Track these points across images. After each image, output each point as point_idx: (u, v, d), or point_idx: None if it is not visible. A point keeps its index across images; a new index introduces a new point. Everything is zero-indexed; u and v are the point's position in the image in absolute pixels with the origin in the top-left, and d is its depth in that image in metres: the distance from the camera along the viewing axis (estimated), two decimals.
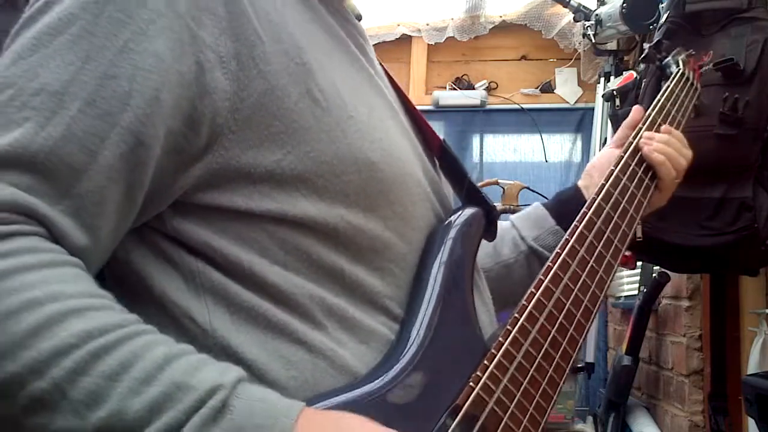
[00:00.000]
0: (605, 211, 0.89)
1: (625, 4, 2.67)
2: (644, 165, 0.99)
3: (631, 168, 0.96)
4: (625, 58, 3.11)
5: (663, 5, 2.05)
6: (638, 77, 2.00)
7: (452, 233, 0.78)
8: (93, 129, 0.59)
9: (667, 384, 2.50)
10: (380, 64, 0.86)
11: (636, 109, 1.07)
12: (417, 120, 0.85)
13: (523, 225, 1.02)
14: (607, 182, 0.92)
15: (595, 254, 0.85)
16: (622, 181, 0.94)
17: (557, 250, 0.82)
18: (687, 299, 2.32)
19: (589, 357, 3.05)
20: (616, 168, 0.95)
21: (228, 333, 0.65)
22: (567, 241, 0.83)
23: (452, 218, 0.80)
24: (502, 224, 1.02)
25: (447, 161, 0.87)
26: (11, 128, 0.58)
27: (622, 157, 0.97)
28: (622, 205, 0.92)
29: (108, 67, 0.60)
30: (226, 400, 0.54)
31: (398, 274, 0.73)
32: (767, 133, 1.67)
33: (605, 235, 0.87)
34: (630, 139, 1.01)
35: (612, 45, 3.14)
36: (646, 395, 2.72)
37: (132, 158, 0.61)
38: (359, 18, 0.84)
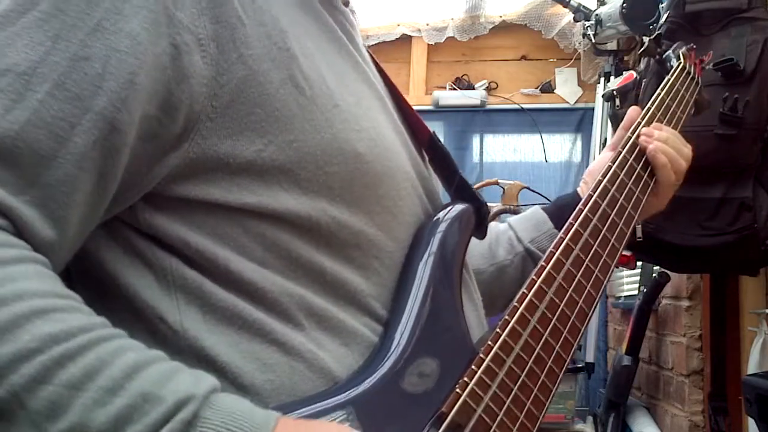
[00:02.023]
0: (601, 208, 0.85)
1: (625, 4, 2.67)
2: (643, 161, 0.94)
3: (629, 164, 0.92)
4: (625, 58, 3.11)
5: (663, 5, 2.05)
6: (638, 77, 2.00)
7: (440, 230, 0.73)
8: (62, 113, 0.55)
9: (667, 384, 2.50)
10: (371, 56, 0.83)
11: (633, 110, 1.03)
12: (406, 112, 0.82)
13: (520, 227, 0.98)
14: (604, 178, 0.88)
15: (591, 253, 0.81)
16: (620, 177, 0.90)
17: (551, 249, 0.78)
18: (687, 299, 2.32)
19: (589, 357, 3.04)
20: (613, 164, 0.91)
21: (200, 334, 0.61)
22: (561, 239, 0.80)
23: (441, 214, 0.75)
24: (499, 226, 1.00)
25: (436, 155, 0.83)
26: None
27: (620, 152, 0.93)
28: (619, 202, 0.88)
29: (79, 48, 0.56)
30: (197, 412, 0.51)
31: (383, 273, 0.69)
32: (767, 133, 1.67)
33: (602, 233, 0.83)
34: (628, 134, 0.97)
35: (612, 45, 3.13)
36: (646, 395, 2.72)
37: (104, 145, 0.56)
38: (346, 4, 0.81)
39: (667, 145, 0.97)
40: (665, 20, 1.86)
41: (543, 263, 0.77)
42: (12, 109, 0.54)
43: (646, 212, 0.98)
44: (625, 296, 3.02)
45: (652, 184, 0.95)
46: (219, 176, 0.62)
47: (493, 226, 1.00)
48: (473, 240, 0.90)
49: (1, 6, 0.57)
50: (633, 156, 0.94)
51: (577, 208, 0.84)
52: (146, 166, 0.61)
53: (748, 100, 1.65)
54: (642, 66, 2.04)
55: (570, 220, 0.82)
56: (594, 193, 0.86)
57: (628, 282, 2.99)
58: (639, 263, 2.45)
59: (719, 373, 2.13)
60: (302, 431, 0.55)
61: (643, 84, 1.90)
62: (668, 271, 2.33)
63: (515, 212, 2.83)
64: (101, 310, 0.56)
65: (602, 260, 0.82)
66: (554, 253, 0.78)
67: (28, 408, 0.48)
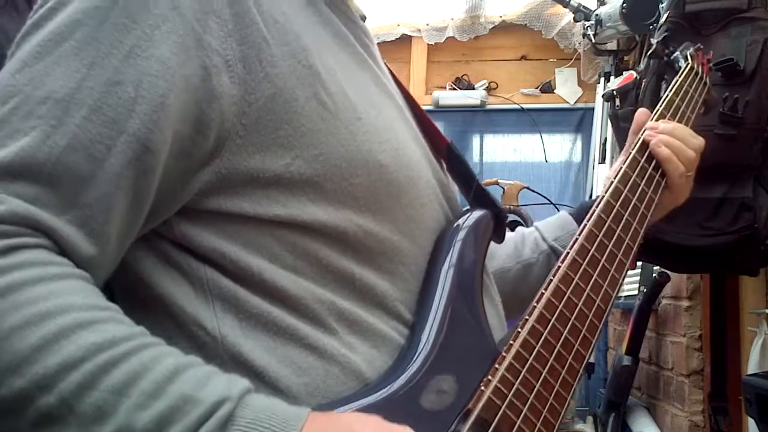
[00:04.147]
0: (615, 209, 0.87)
1: (625, 4, 2.67)
2: (654, 161, 0.96)
3: (640, 164, 0.94)
4: (625, 58, 3.11)
5: (663, 5, 2.05)
6: (638, 77, 2.00)
7: (461, 236, 0.76)
8: (99, 137, 0.59)
9: (667, 384, 2.50)
10: (385, 65, 0.85)
11: (641, 112, 1.04)
12: (424, 121, 0.84)
13: (545, 227, 1.01)
14: (615, 179, 0.91)
15: (607, 253, 0.83)
16: (632, 178, 0.92)
17: (567, 250, 0.81)
18: (687, 299, 2.32)
19: (590, 357, 3.04)
20: (624, 165, 0.93)
21: (237, 340, 0.64)
22: (576, 239, 0.82)
23: (461, 220, 0.78)
24: (525, 229, 1.03)
25: (454, 163, 0.86)
26: (17, 137, 0.57)
27: (631, 153, 0.95)
28: (632, 203, 0.90)
29: (113, 74, 0.60)
30: (232, 411, 0.54)
31: (408, 278, 0.72)
32: (767, 133, 1.67)
33: (616, 233, 0.85)
34: (639, 134, 0.99)
35: (612, 45, 3.14)
36: (646, 395, 2.72)
37: (139, 165, 0.60)
38: (364, 19, 0.84)
39: (672, 136, 0.98)
40: (665, 20, 1.86)
41: (559, 264, 0.79)
42: (52, 135, 0.58)
43: (664, 208, 0.99)
44: (625, 296, 3.02)
45: (663, 183, 0.96)
46: (249, 190, 0.65)
47: (520, 229, 1.04)
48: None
49: (39, 36, 0.61)
50: (644, 157, 0.96)
51: (591, 210, 0.87)
52: (180, 182, 0.64)
53: (748, 100, 1.65)
54: (642, 66, 2.04)
55: (584, 221, 0.85)
56: (606, 194, 0.89)
57: (628, 282, 2.98)
58: (639, 263, 2.45)
59: (719, 373, 2.13)
60: (333, 422, 0.57)
61: (643, 84, 1.90)
62: (668, 271, 2.33)
63: (515, 212, 2.83)
64: (142, 321, 0.59)
65: (617, 259, 0.84)
66: (570, 253, 0.80)
67: (76, 412, 0.52)
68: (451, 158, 0.86)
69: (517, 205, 2.90)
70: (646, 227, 0.91)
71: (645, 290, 2.47)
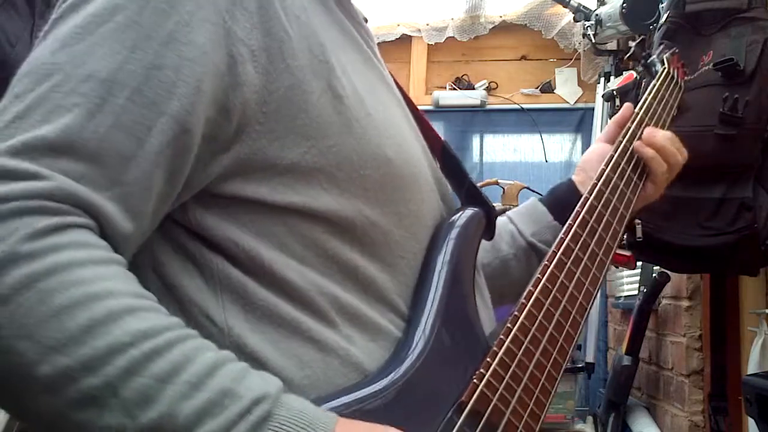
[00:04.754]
0: (597, 210, 0.92)
1: (625, 4, 2.67)
2: (633, 163, 1.01)
3: (620, 167, 0.99)
4: (625, 58, 3.11)
5: (663, 5, 2.05)
6: (638, 77, 2.00)
7: (454, 233, 0.79)
8: (141, 117, 0.61)
9: (667, 384, 2.50)
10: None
11: (627, 107, 1.09)
12: (420, 120, 0.87)
13: (520, 220, 1.03)
14: (599, 182, 0.95)
15: (589, 252, 0.87)
16: (613, 180, 0.96)
17: (553, 249, 0.84)
18: (687, 299, 2.32)
19: (589, 357, 3.05)
20: (607, 167, 0.97)
21: (243, 332, 0.66)
22: (562, 239, 0.86)
23: (454, 217, 0.81)
24: (499, 219, 1.03)
25: (448, 162, 0.89)
26: (61, 113, 0.59)
27: (613, 156, 0.99)
28: (612, 203, 0.94)
29: (154, 57, 0.62)
30: (270, 410, 0.56)
31: (407, 272, 0.74)
32: (767, 133, 1.67)
33: (597, 233, 0.90)
34: (620, 138, 1.03)
35: (612, 45, 3.14)
36: (646, 395, 2.72)
37: (177, 145, 0.62)
38: (366, 21, 0.87)
39: (660, 138, 1.03)
40: (665, 20, 1.86)
41: (546, 262, 0.82)
42: (96, 113, 0.60)
43: (645, 200, 1.03)
44: (625, 296, 3.02)
45: (641, 185, 1.01)
46: (267, 176, 0.68)
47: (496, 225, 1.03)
48: None
49: (78, 17, 0.63)
50: (624, 159, 1.00)
51: (575, 210, 0.90)
52: (202, 165, 0.66)
53: (748, 100, 1.65)
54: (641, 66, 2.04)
55: (569, 221, 0.89)
56: (590, 195, 0.92)
57: (628, 282, 2.99)
58: (639, 263, 2.45)
59: (719, 373, 2.13)
60: (360, 427, 0.60)
61: (643, 84, 1.90)
62: (668, 271, 2.33)
63: None
64: None
65: (599, 258, 0.89)
66: (557, 253, 0.84)
67: (120, 396, 0.53)
68: (445, 157, 0.88)
69: (517, 206, 2.89)
70: (625, 227, 0.96)
71: (645, 290, 2.47)
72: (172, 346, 0.56)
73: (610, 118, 2.49)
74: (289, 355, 0.66)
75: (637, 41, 1.69)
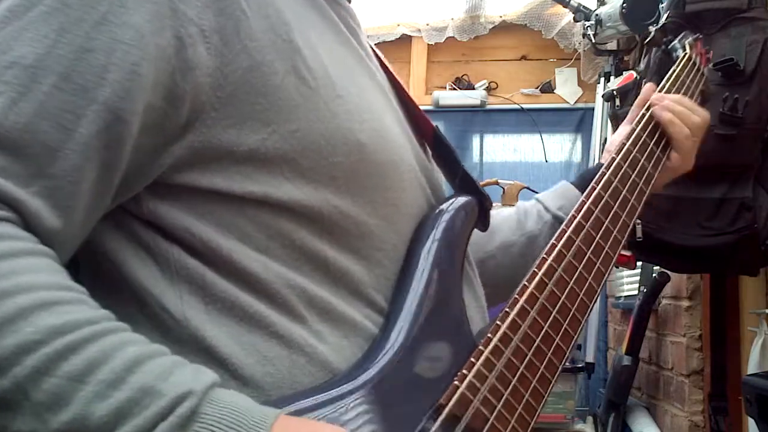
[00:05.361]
0: (613, 185, 0.87)
1: (625, 4, 2.67)
2: (656, 137, 0.97)
3: (642, 140, 0.94)
4: (625, 58, 3.11)
5: (663, 5, 2.05)
6: (638, 77, 2.00)
7: (443, 222, 0.74)
8: (68, 105, 0.56)
9: (667, 384, 2.49)
10: (376, 53, 0.84)
11: (648, 87, 1.05)
12: (410, 107, 0.82)
13: (547, 198, 0.99)
14: (618, 155, 0.90)
15: (602, 230, 0.82)
16: (633, 154, 0.92)
17: (553, 241, 0.79)
18: (687, 299, 2.32)
19: (589, 357, 3.05)
20: (627, 141, 0.93)
21: (202, 325, 0.62)
22: (573, 216, 0.81)
23: (443, 206, 0.76)
24: (526, 203, 1.01)
25: (440, 149, 0.84)
26: None
27: (634, 129, 0.95)
28: (631, 178, 0.89)
29: (85, 41, 0.57)
30: (195, 408, 0.51)
31: (386, 265, 0.70)
32: (767, 133, 1.67)
33: (612, 211, 0.85)
34: (641, 111, 0.99)
35: (612, 45, 3.14)
36: (646, 395, 2.72)
37: (109, 135, 0.58)
38: (349, 0, 0.82)
39: (678, 103, 1.00)
40: (665, 20, 1.86)
41: (545, 255, 0.77)
42: (19, 102, 0.55)
43: (673, 171, 1.00)
44: (625, 296, 3.02)
45: (664, 158, 0.97)
46: (223, 165, 0.63)
47: (521, 203, 1.02)
48: (503, 217, 0.91)
49: (7, 2, 0.59)
50: (646, 132, 0.96)
51: (590, 186, 0.85)
52: (151, 156, 0.62)
53: (748, 100, 1.65)
54: (642, 66, 2.04)
55: (582, 198, 0.84)
56: (608, 171, 0.88)
57: (628, 282, 2.99)
58: (639, 263, 2.45)
59: (719, 373, 2.13)
60: (302, 428, 0.55)
61: (643, 84, 1.90)
62: (668, 271, 2.33)
63: None
64: (107, 302, 0.57)
65: (612, 237, 0.83)
66: (556, 246, 0.78)
67: (31, 399, 0.49)
68: (436, 144, 0.84)
69: None
70: (643, 203, 0.91)
71: (645, 290, 2.47)
72: (89, 342, 0.51)
73: (610, 118, 2.49)
74: (251, 351, 0.62)
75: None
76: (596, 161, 3.14)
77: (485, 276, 0.87)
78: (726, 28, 1.75)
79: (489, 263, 0.93)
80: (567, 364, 0.76)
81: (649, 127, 0.97)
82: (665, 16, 1.87)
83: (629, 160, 0.91)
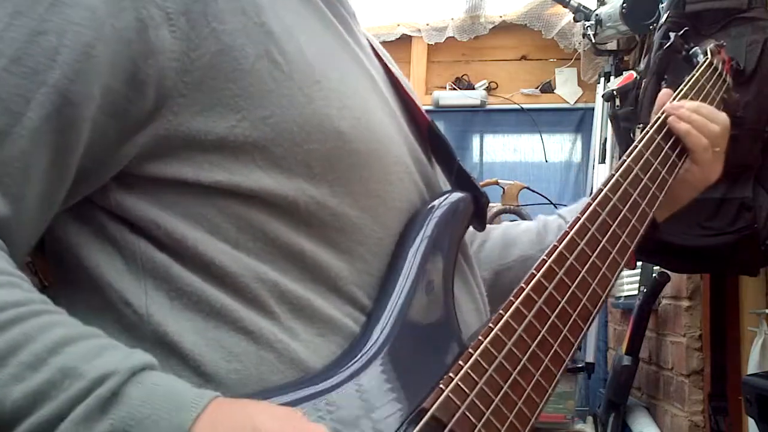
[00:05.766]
0: (623, 188, 0.82)
1: (625, 4, 2.67)
2: (672, 140, 0.91)
3: (655, 142, 0.89)
4: (625, 58, 3.11)
5: (663, 5, 2.05)
6: (638, 77, 2.00)
7: (434, 218, 0.70)
8: (18, 89, 0.54)
9: (667, 384, 2.49)
10: (372, 45, 0.81)
11: (663, 92, 1.01)
12: (406, 100, 0.79)
13: (568, 213, 0.97)
14: (628, 158, 0.85)
15: (609, 233, 0.78)
16: (645, 156, 0.87)
17: (555, 242, 0.75)
18: (687, 299, 2.32)
19: (589, 357, 3.05)
20: (639, 143, 0.88)
21: (165, 320, 0.59)
22: (578, 218, 0.77)
23: (436, 201, 0.72)
24: (548, 217, 0.99)
25: (436, 144, 0.81)
26: None
27: (648, 132, 0.91)
28: (643, 182, 0.84)
29: (38, 23, 0.55)
30: (117, 388, 0.48)
31: (369, 260, 0.66)
32: (767, 133, 1.67)
33: (621, 214, 0.80)
34: (657, 115, 0.95)
35: (612, 45, 3.14)
36: (646, 395, 2.72)
37: (60, 119, 0.56)
38: None
39: (695, 112, 0.94)
40: (665, 20, 1.86)
41: (545, 257, 0.73)
42: None
43: (694, 188, 0.95)
44: (625, 296, 3.02)
45: (680, 164, 0.92)
46: (191, 154, 0.61)
47: (541, 217, 1.00)
48: (523, 229, 0.89)
49: None
50: (660, 135, 0.91)
51: (598, 188, 0.82)
52: (116, 144, 0.60)
53: (747, 100, 1.65)
54: (642, 66, 2.04)
55: (588, 200, 0.80)
56: (616, 172, 0.84)
57: (628, 282, 2.99)
58: (639, 263, 2.45)
59: (719, 373, 2.13)
60: (235, 410, 0.52)
61: (643, 84, 1.90)
62: (668, 271, 2.33)
63: (515, 212, 2.83)
64: (71, 296, 0.56)
65: (620, 240, 0.79)
66: (557, 247, 0.74)
67: None
68: (431, 139, 0.80)
69: (517, 205, 2.90)
70: (655, 210, 0.85)
71: (645, 290, 2.47)
72: (12, 324, 0.49)
73: (610, 118, 2.49)
74: (216, 347, 0.59)
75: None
76: (596, 161, 3.14)
77: (501, 287, 0.85)
78: (726, 28, 1.75)
79: (506, 275, 0.92)
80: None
81: (664, 130, 0.92)
82: (665, 16, 1.87)
83: (641, 162, 0.86)
